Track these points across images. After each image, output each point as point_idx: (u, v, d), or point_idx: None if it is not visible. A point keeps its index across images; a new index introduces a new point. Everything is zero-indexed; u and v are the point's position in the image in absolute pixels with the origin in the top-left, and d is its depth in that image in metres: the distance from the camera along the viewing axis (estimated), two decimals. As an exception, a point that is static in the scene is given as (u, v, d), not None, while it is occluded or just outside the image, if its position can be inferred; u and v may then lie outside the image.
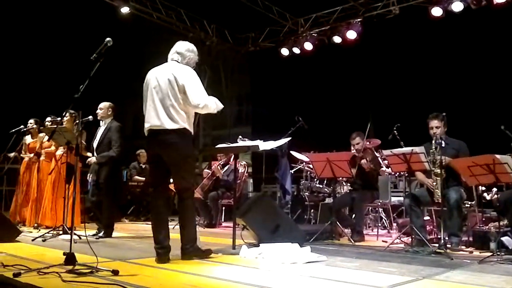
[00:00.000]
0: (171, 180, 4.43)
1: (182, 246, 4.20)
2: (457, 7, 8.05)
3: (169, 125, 4.09)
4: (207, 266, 3.95)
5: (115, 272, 3.33)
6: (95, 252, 3.66)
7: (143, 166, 10.02)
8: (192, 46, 4.41)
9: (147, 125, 4.23)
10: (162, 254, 4.06)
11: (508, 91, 7.49)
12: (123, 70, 11.29)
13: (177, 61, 4.30)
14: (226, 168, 8.24)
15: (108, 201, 6.06)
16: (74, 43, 9.78)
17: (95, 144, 6.18)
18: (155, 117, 4.14)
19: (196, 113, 4.36)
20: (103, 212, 6.06)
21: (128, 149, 9.72)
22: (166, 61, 4.37)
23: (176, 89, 4.10)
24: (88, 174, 6.27)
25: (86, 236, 4.44)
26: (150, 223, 8.51)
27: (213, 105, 4.30)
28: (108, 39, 3.88)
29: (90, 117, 5.93)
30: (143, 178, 9.79)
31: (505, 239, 4.79)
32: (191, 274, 3.56)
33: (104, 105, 6.25)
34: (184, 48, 4.36)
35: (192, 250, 4.21)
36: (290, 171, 8.13)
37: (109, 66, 4.39)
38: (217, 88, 11.99)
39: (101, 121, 6.26)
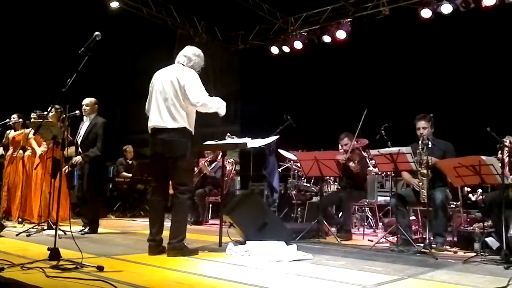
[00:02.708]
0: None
1: (168, 241, 4.23)
2: (446, 9, 8.11)
3: (171, 124, 4.27)
4: (193, 263, 3.94)
5: (100, 268, 3.31)
6: (80, 247, 3.64)
7: (130, 162, 9.95)
8: (199, 52, 4.63)
9: (150, 124, 4.41)
10: (152, 246, 4.24)
11: (495, 93, 7.57)
12: (112, 65, 11.21)
13: (183, 64, 4.49)
14: (213, 165, 8.22)
15: (93, 197, 6.01)
16: (62, 37, 9.67)
17: (79, 140, 6.11)
18: (158, 117, 4.33)
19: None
20: (88, 208, 6.02)
21: (115, 145, 9.67)
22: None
23: (178, 89, 4.29)
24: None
25: (71, 231, 4.40)
26: (136, 219, 8.58)
27: (215, 104, 4.47)
28: (96, 33, 3.87)
29: (77, 111, 5.86)
30: (130, 175, 9.72)
31: (489, 239, 4.86)
32: (176, 271, 3.55)
33: (90, 101, 6.19)
34: (191, 52, 4.58)
35: (177, 246, 4.22)
36: (278, 169, 8.14)
37: (97, 61, 4.36)
38: (206, 85, 11.87)
39: (84, 116, 6.19)
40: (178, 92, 4.28)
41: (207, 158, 8.18)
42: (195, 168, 8.22)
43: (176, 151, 4.26)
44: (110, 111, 9.66)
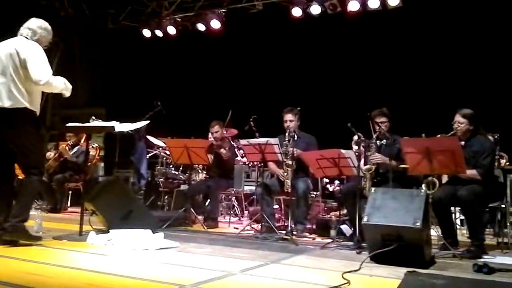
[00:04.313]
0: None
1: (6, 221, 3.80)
2: (315, 10, 8.52)
3: (8, 103, 3.85)
4: (51, 253, 3.66)
5: None
6: None
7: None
8: (46, 24, 4.19)
9: None
10: (1, 235, 3.79)
11: (355, 91, 8.20)
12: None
13: (26, 37, 4.05)
14: (75, 149, 7.69)
15: None
16: None
17: None
18: None
19: (43, 91, 4.11)
20: None
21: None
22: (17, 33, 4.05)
23: (18, 64, 3.88)
24: None
25: None
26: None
27: (60, 84, 4.07)
28: None
29: None
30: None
31: (343, 227, 5.27)
32: (31, 262, 3.25)
33: None
34: (36, 24, 4.13)
35: (17, 227, 3.78)
36: (146, 156, 7.91)
37: None
38: (70, 63, 11.15)
39: None
40: (19, 67, 3.87)
41: (68, 142, 7.63)
42: (52, 152, 7.65)
43: (14, 134, 3.88)
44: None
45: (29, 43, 3.98)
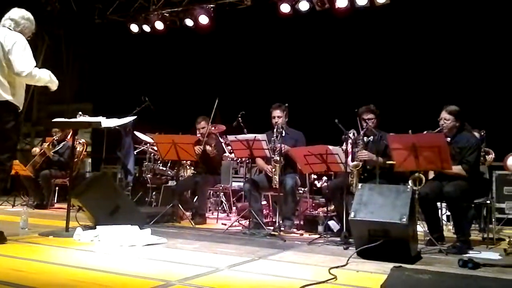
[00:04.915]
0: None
1: None
2: (304, 6, 8.53)
3: None
4: (36, 249, 3.63)
5: None
6: None
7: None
8: (28, 14, 4.12)
9: None
10: None
11: (343, 88, 8.22)
12: None
13: (9, 28, 3.98)
14: (61, 145, 7.61)
15: None
16: None
17: None
18: None
19: (29, 86, 4.06)
20: None
21: None
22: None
23: (1, 56, 3.82)
24: None
25: None
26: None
27: (45, 77, 4.01)
28: None
29: None
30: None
31: (331, 223, 5.30)
32: (16, 258, 3.23)
33: None
34: (19, 15, 4.06)
35: None
36: (133, 151, 7.87)
37: None
38: (56, 58, 11.04)
39: None
40: (2, 59, 3.83)
41: (54, 137, 7.54)
42: (38, 148, 7.57)
43: None
44: None
45: (13, 34, 3.92)
